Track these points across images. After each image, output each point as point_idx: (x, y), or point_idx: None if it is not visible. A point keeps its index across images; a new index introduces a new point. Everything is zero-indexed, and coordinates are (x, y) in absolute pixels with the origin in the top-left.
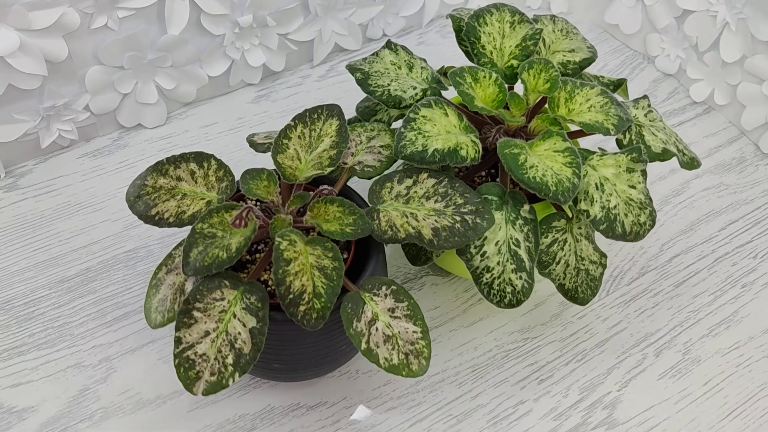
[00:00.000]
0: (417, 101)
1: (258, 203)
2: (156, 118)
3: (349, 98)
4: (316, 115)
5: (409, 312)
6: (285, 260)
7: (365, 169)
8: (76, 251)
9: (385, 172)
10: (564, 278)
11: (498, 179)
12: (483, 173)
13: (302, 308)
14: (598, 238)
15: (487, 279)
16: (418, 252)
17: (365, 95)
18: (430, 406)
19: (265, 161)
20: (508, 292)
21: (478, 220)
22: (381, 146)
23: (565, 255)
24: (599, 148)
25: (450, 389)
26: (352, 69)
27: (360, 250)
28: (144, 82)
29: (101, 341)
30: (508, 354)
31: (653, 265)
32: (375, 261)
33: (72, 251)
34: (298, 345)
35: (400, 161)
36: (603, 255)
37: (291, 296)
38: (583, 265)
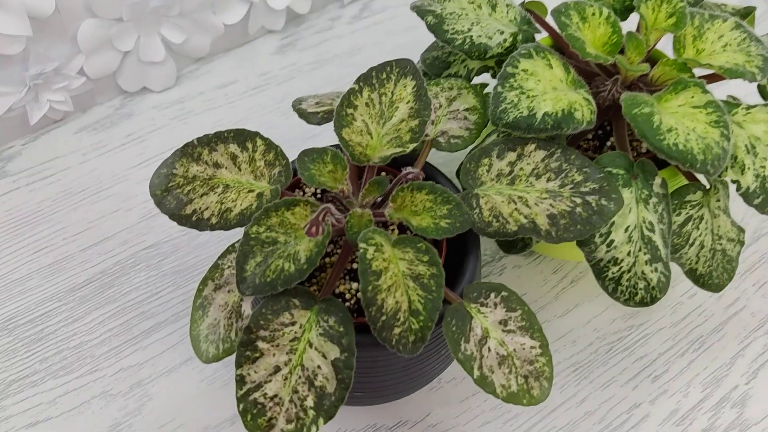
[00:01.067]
0: (507, 49)
1: (321, 193)
2: (164, 79)
3: (390, 42)
4: (384, 75)
5: (524, 323)
6: (374, 273)
7: (451, 141)
8: (85, 251)
9: (476, 144)
10: (696, 262)
11: (612, 143)
12: (589, 136)
13: (397, 331)
14: None
15: (613, 273)
16: (512, 240)
17: (432, 42)
18: (531, 417)
19: (307, 134)
20: (641, 288)
21: (604, 202)
22: (466, 110)
23: (700, 235)
24: (730, 97)
25: (551, 395)
26: (421, 11)
27: (452, 246)
28: (147, 35)
29: (129, 362)
30: (612, 347)
31: None
32: (474, 260)
33: (81, 251)
34: (385, 371)
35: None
36: (741, 230)
37: (384, 318)
38: (720, 244)
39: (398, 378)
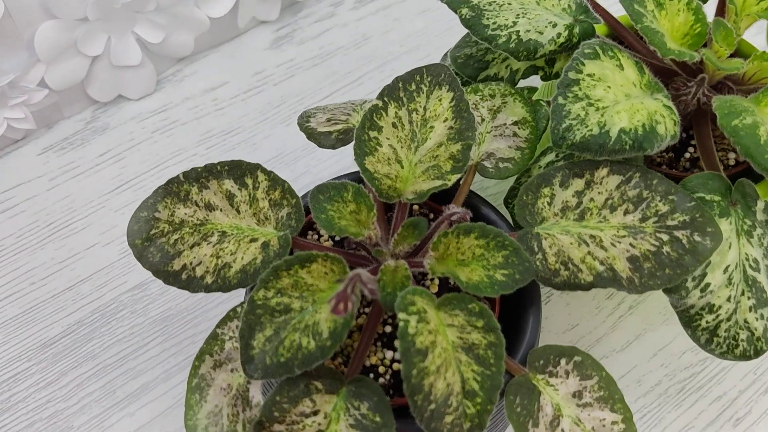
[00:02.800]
0: (562, 45)
1: (342, 240)
2: (142, 84)
3: (401, 29)
4: (413, 86)
5: (602, 392)
6: (420, 352)
7: (500, 165)
8: (57, 298)
9: (531, 169)
10: None
11: (691, 155)
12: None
13: (449, 419)
14: None
15: (708, 322)
16: None
17: (463, 37)
18: None
19: (311, 144)
20: (742, 340)
21: (698, 238)
22: (514, 123)
23: None
24: None
25: None
26: (453, 2)
27: (506, 297)
28: (119, 36)
29: None
30: (684, 386)
31: None
32: (535, 316)
33: (52, 298)
34: None
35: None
36: None
37: (432, 406)
38: None
39: None
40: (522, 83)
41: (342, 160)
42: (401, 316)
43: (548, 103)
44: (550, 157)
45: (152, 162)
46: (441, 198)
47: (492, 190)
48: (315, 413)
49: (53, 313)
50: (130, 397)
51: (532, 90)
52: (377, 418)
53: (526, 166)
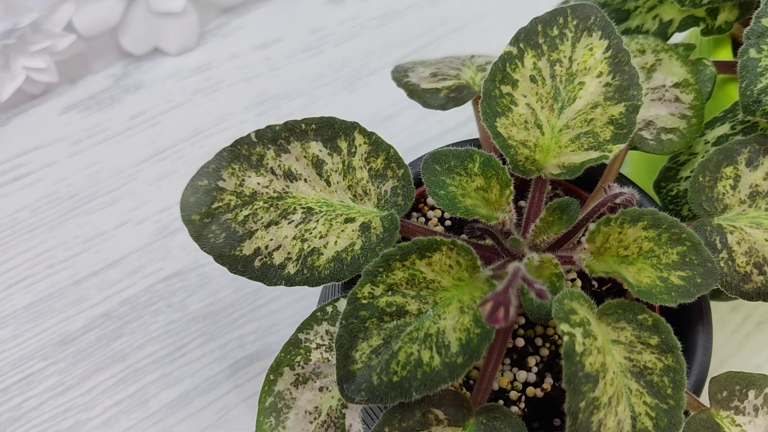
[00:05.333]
0: None
1: (455, 221)
2: (182, 37)
3: None
4: (555, 31)
5: None
6: (589, 378)
7: (663, 136)
8: (79, 285)
9: (694, 145)
10: None
11: None
12: None
13: None
14: None
15: None
16: None
17: None
18: None
19: (379, 113)
20: None
21: None
22: (675, 85)
23: None
24: None
25: None
26: None
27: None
28: None
29: None
30: None
31: None
32: (705, 333)
33: (73, 285)
34: None
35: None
36: None
37: None
38: None
39: None
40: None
41: (413, 136)
42: (564, 328)
43: (715, 63)
44: (722, 129)
45: (193, 128)
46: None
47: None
48: None
49: (74, 303)
50: (166, 409)
51: (690, 47)
52: None
53: (693, 140)
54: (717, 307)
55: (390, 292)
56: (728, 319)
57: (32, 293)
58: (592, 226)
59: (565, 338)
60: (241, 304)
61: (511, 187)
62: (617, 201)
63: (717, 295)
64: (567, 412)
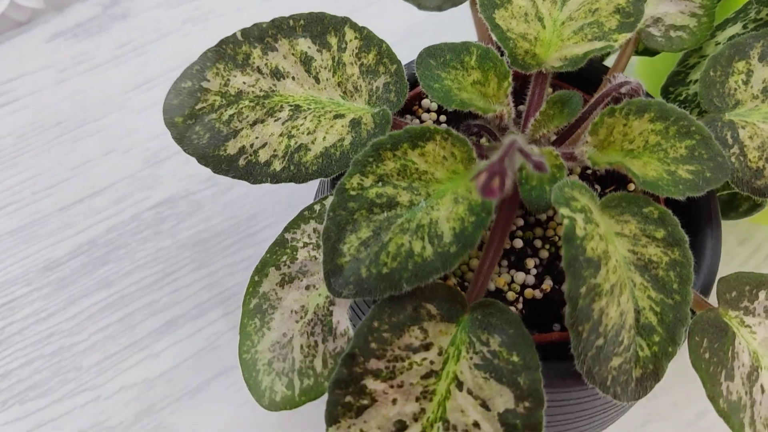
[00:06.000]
0: None
1: (450, 118)
2: None
3: None
4: None
5: None
6: (591, 262)
7: (672, 33)
8: (65, 211)
9: (704, 47)
10: None
11: None
12: None
13: (616, 362)
14: None
15: None
16: (735, 194)
17: None
18: None
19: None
20: None
21: None
22: None
23: None
24: None
25: None
26: None
27: (670, 204)
28: None
29: (134, 377)
30: None
31: None
32: (714, 234)
33: (59, 212)
34: (568, 417)
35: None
36: None
37: (600, 342)
38: None
39: (570, 429)
40: None
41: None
42: (564, 212)
43: None
44: (733, 30)
45: (182, 58)
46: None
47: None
48: (426, 347)
49: (59, 229)
50: (154, 335)
51: None
52: (514, 358)
53: (703, 40)
54: (725, 241)
55: (380, 183)
56: (735, 253)
57: (16, 219)
58: (597, 117)
59: (565, 221)
60: (232, 231)
61: (510, 79)
62: (622, 91)
63: (726, 212)
64: (567, 298)
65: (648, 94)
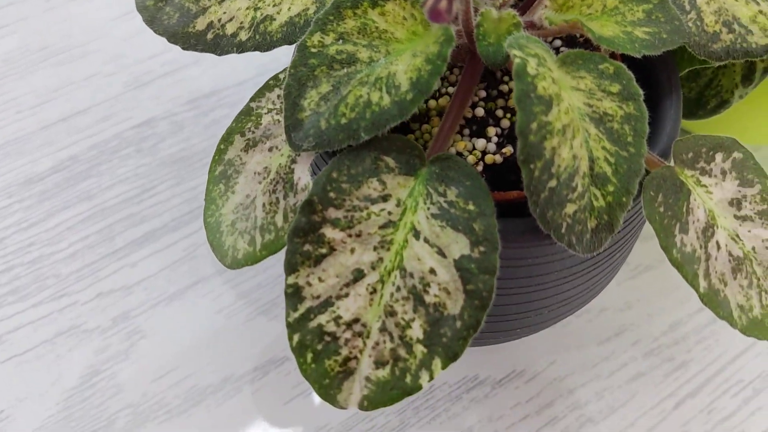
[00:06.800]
0: None
1: None
2: None
3: None
4: None
5: (766, 205)
6: (541, 99)
7: None
8: (48, 129)
9: None
10: None
11: None
12: None
13: (570, 209)
14: None
15: None
16: (703, 90)
17: None
18: (705, 366)
19: None
20: None
21: None
22: None
23: None
24: None
25: (733, 333)
26: None
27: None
28: None
29: (111, 284)
30: None
31: None
32: (675, 100)
33: (41, 129)
34: (530, 286)
35: None
36: None
37: (553, 183)
38: None
39: (544, 299)
40: None
41: None
42: (516, 53)
43: None
44: None
45: None
46: None
47: None
48: (384, 199)
49: (42, 146)
50: (132, 246)
51: None
52: (470, 206)
53: None
54: None
55: (341, 41)
56: None
57: (1, 136)
58: None
59: (516, 60)
60: (212, 150)
61: None
62: None
63: (694, 110)
64: (518, 133)
65: None
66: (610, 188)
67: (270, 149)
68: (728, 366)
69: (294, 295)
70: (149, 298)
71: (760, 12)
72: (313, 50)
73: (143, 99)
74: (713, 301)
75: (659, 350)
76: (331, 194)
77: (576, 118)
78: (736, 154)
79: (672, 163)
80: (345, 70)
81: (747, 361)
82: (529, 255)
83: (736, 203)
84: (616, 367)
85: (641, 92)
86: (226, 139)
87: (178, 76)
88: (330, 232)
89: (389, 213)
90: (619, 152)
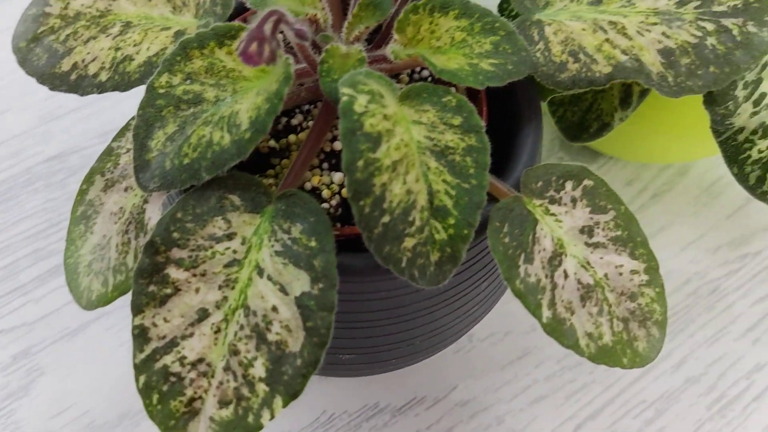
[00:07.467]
0: None
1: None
2: None
3: None
4: None
5: (619, 232)
6: (368, 137)
7: None
8: None
9: None
10: None
11: None
12: None
13: (409, 243)
14: None
15: (762, 152)
16: (584, 114)
17: None
18: (606, 388)
19: None
20: None
21: (753, 28)
22: None
23: None
24: None
25: None
26: None
27: (497, 113)
28: None
29: (13, 321)
30: (718, 286)
31: None
32: (533, 131)
33: None
34: (388, 318)
35: None
36: None
37: (386, 219)
38: None
39: (410, 330)
40: None
41: None
42: (345, 90)
43: None
44: None
45: None
46: None
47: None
48: (230, 237)
49: None
50: (36, 281)
51: None
52: (312, 243)
53: None
54: (612, 179)
55: (188, 81)
56: (623, 192)
57: None
58: (401, 15)
59: (343, 98)
60: None
61: None
62: None
63: (577, 134)
64: (344, 170)
65: None
66: (451, 221)
67: (126, 189)
68: (630, 387)
69: (140, 336)
70: (51, 334)
71: (607, 40)
72: (160, 91)
73: (55, 133)
74: (557, 330)
75: (561, 372)
76: (175, 234)
77: (412, 153)
78: (587, 182)
79: (519, 193)
80: (191, 109)
81: (649, 382)
82: (381, 288)
83: (587, 230)
84: (518, 390)
85: (483, 124)
86: (88, 179)
87: (89, 110)
88: (174, 273)
89: (234, 251)
90: (461, 184)
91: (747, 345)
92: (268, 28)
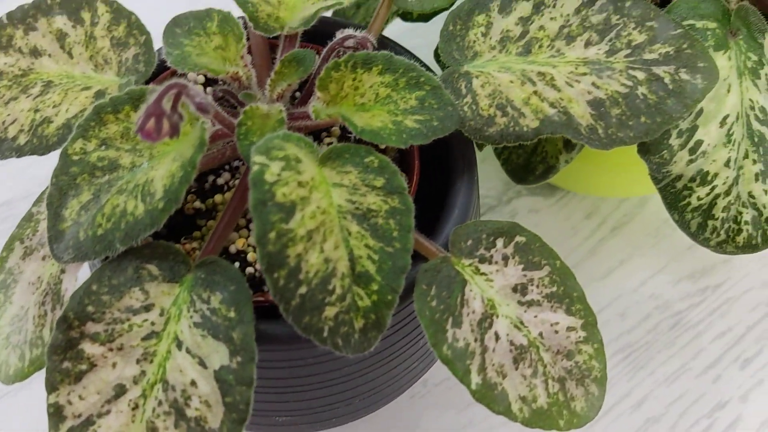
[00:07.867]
0: None
1: (209, 84)
2: None
3: None
4: None
5: (554, 288)
6: (280, 207)
7: None
8: None
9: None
10: None
11: None
12: None
13: (330, 312)
14: None
15: (700, 199)
16: (529, 156)
17: None
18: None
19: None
20: (745, 222)
21: (685, 76)
22: None
23: None
24: None
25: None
26: None
27: (430, 169)
28: None
29: None
30: (679, 320)
31: None
32: (466, 188)
33: None
34: (322, 382)
35: None
36: None
37: (303, 290)
38: None
39: (345, 392)
40: None
41: None
42: (256, 159)
43: None
44: None
45: None
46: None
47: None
48: (147, 309)
49: None
50: None
51: None
52: (231, 313)
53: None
54: (570, 213)
55: (103, 147)
56: (581, 226)
57: None
58: (323, 72)
59: (254, 167)
60: None
61: (244, 41)
62: (348, 44)
63: (523, 176)
64: (255, 243)
65: (380, 48)
66: (375, 287)
67: (44, 258)
68: (590, 429)
69: (55, 414)
70: None
71: (535, 93)
72: (74, 158)
73: (2, 179)
74: (487, 396)
75: None
76: (90, 308)
77: (331, 219)
78: (519, 238)
79: (448, 253)
80: (107, 177)
81: (609, 422)
82: (306, 356)
83: (520, 288)
84: None
85: (405, 186)
86: (8, 246)
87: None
88: (89, 348)
89: (152, 323)
90: (384, 248)
91: (708, 382)
92: (167, 102)
